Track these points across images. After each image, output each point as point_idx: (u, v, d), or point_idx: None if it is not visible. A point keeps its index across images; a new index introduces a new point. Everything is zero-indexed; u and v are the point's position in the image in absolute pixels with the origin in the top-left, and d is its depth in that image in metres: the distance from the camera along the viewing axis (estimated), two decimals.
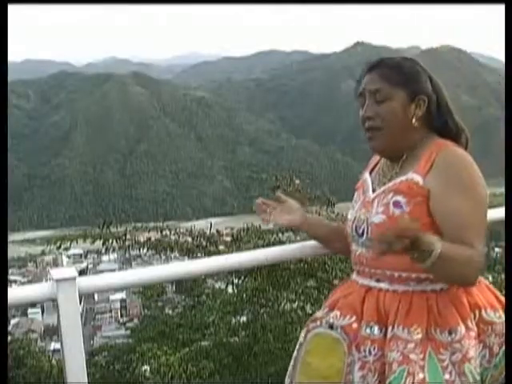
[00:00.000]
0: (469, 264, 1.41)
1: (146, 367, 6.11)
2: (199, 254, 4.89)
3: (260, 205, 1.78)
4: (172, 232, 5.23)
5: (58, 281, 1.52)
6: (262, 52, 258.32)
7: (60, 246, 6.04)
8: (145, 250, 5.40)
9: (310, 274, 4.18)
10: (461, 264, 1.41)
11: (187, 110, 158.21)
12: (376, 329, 1.49)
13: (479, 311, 1.50)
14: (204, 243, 4.99)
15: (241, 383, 4.51)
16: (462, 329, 1.45)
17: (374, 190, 1.62)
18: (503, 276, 4.10)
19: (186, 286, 7.63)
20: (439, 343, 1.44)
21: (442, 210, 1.46)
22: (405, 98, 1.56)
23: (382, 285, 1.53)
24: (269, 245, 4.08)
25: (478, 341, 1.48)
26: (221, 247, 4.74)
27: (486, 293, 1.56)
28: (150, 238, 5.31)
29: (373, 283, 1.55)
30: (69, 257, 48.77)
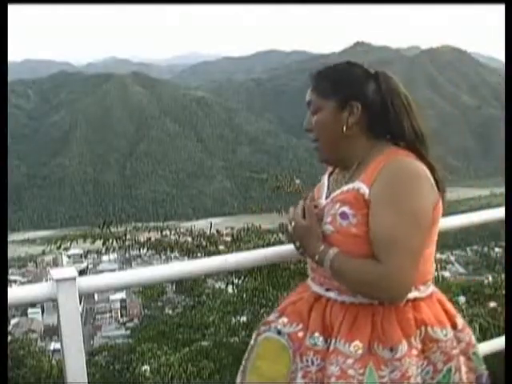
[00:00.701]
0: (365, 281, 1.39)
1: (146, 367, 6.11)
2: (199, 254, 4.89)
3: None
4: (172, 232, 5.22)
5: (58, 281, 1.52)
6: (261, 52, 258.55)
7: (60, 246, 6.03)
8: (145, 250, 5.39)
9: None
10: (354, 278, 1.42)
11: (187, 110, 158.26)
12: (320, 340, 1.47)
13: (425, 328, 1.46)
14: (204, 243, 4.99)
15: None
16: (403, 346, 1.42)
17: (327, 196, 1.58)
18: (503, 276, 4.10)
19: (186, 285, 7.63)
20: (380, 359, 1.41)
21: (371, 224, 1.42)
22: (334, 107, 1.52)
23: (331, 294, 1.51)
24: (269, 245, 4.08)
25: (423, 357, 1.45)
26: (221, 247, 4.74)
27: (435, 308, 1.51)
28: (150, 238, 5.31)
29: (322, 292, 1.53)
30: (69, 257, 48.80)
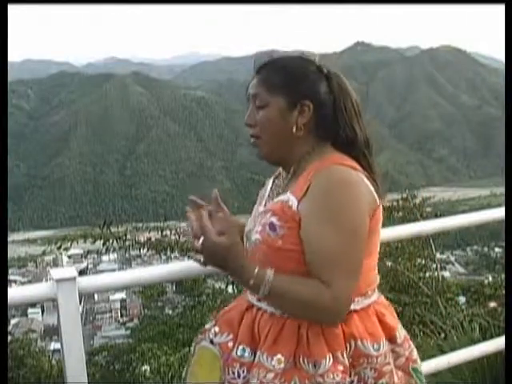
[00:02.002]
0: (311, 306, 1.31)
1: (146, 367, 6.12)
2: None
3: (193, 202, 1.47)
4: (172, 232, 5.24)
5: (58, 281, 1.52)
6: (261, 52, 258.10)
7: (60, 246, 6.05)
8: (145, 250, 5.40)
9: None
10: (298, 305, 1.33)
11: (187, 110, 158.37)
12: (247, 351, 1.41)
13: (355, 342, 1.37)
14: None
15: None
16: (327, 361, 1.34)
17: (266, 204, 1.49)
18: (503, 276, 4.11)
19: (186, 285, 7.64)
20: (305, 374, 1.34)
21: (305, 240, 1.33)
22: (283, 105, 1.41)
23: (262, 305, 1.43)
24: None
25: (354, 373, 1.38)
26: None
27: (369, 321, 1.42)
28: (150, 238, 5.32)
29: (254, 301, 1.46)
30: (69, 257, 48.75)
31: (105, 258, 48.11)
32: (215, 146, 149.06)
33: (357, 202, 1.34)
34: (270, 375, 1.35)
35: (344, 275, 1.31)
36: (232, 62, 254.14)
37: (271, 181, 1.57)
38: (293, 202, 1.35)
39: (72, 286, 1.53)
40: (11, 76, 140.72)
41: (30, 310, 40.55)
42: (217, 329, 1.50)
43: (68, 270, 1.56)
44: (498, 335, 2.65)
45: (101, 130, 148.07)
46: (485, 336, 2.88)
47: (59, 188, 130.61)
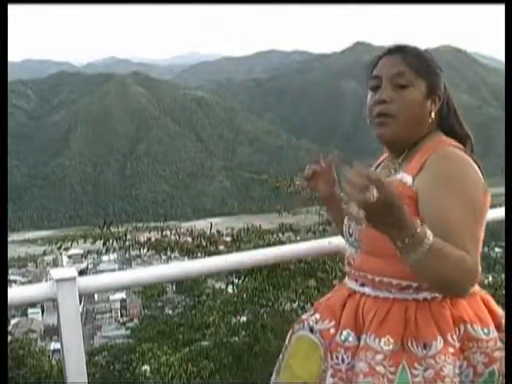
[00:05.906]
0: (460, 267, 1.23)
1: (146, 367, 6.11)
2: (199, 254, 4.89)
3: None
4: (172, 232, 5.23)
5: (58, 281, 1.52)
6: (261, 52, 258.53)
7: (60, 247, 6.04)
8: (145, 250, 5.39)
9: (310, 274, 4.18)
10: (451, 265, 1.23)
11: (187, 110, 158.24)
12: (351, 336, 1.41)
13: (464, 325, 1.37)
14: (204, 243, 4.99)
15: (241, 383, 4.52)
16: (438, 343, 1.33)
17: None
18: (503, 276, 4.10)
19: (186, 285, 7.64)
20: (414, 357, 1.33)
21: (428, 211, 1.32)
22: (425, 90, 1.45)
23: (366, 289, 1.45)
24: (269, 245, 4.09)
25: (463, 358, 1.36)
26: (221, 247, 4.74)
27: (477, 306, 1.41)
28: (150, 238, 5.31)
29: (357, 287, 1.48)
30: (69, 257, 48.72)
31: (105, 258, 48.05)
32: (215, 146, 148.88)
33: (476, 180, 1.37)
34: (379, 357, 1.34)
35: (473, 244, 1.29)
36: (232, 61, 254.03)
37: (373, 168, 1.61)
38: (407, 179, 1.39)
39: (72, 286, 1.53)
40: (11, 76, 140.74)
41: (30, 310, 40.44)
42: (317, 316, 1.51)
43: (68, 270, 1.56)
44: None
45: (101, 130, 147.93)
46: None
47: (59, 188, 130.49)
